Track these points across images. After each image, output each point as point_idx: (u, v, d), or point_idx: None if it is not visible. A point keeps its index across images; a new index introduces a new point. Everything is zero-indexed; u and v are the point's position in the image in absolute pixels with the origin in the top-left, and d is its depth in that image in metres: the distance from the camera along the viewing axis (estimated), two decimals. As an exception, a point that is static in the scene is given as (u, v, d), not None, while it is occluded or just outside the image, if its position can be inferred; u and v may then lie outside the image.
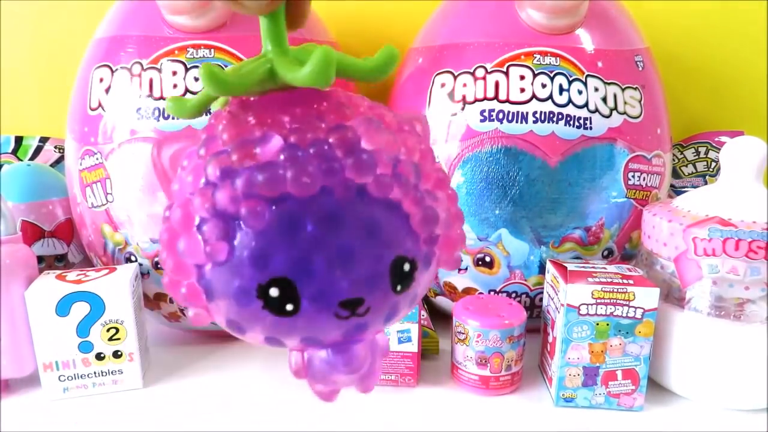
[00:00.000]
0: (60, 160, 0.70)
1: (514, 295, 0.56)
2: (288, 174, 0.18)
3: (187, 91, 0.49)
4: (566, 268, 0.47)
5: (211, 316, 0.21)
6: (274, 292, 0.19)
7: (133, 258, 0.53)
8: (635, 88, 0.53)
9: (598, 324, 0.44)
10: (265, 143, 0.19)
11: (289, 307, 0.19)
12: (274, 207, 0.19)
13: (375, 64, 0.22)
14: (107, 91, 0.51)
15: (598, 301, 0.44)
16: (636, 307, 0.44)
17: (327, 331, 0.20)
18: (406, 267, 0.21)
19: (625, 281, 0.44)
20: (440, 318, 0.61)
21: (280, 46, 0.22)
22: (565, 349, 0.45)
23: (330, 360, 0.21)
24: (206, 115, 0.23)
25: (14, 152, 0.71)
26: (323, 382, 0.22)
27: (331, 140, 0.19)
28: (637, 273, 0.47)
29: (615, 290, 0.44)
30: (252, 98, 0.22)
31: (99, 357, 0.47)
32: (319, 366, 0.22)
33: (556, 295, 0.47)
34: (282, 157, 0.19)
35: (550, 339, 0.48)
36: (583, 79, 0.51)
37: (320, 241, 0.19)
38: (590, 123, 0.51)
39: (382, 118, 0.21)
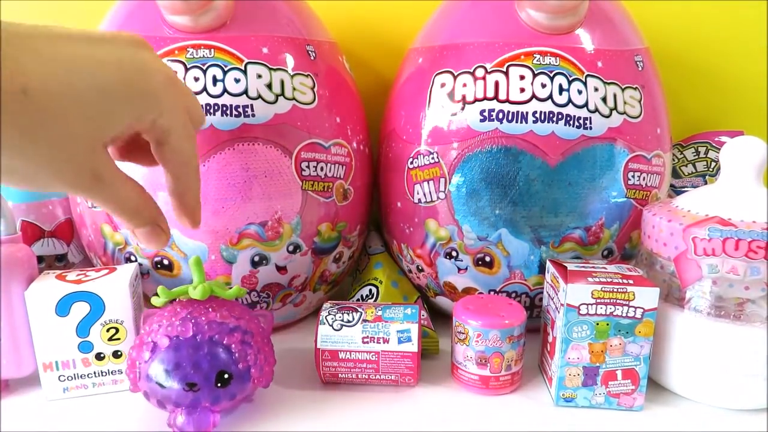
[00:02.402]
0: (60, 160, 0.70)
1: (514, 295, 0.56)
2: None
3: (187, 91, 0.49)
4: (566, 267, 0.47)
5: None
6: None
7: (133, 258, 0.53)
8: (635, 88, 0.53)
9: (598, 324, 0.44)
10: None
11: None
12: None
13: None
14: (107, 91, 0.51)
15: (598, 300, 0.44)
16: (636, 307, 0.44)
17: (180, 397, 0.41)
18: (225, 376, 0.41)
19: (625, 281, 0.44)
20: (440, 318, 0.61)
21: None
22: (565, 349, 0.45)
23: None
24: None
25: (14, 152, 0.71)
26: None
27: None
28: (637, 273, 0.47)
29: (615, 290, 0.44)
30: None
31: (99, 357, 0.47)
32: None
33: (556, 294, 0.47)
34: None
35: (550, 339, 0.48)
36: (583, 79, 0.51)
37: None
38: (590, 123, 0.51)
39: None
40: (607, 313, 0.44)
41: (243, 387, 0.42)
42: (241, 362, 0.42)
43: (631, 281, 0.44)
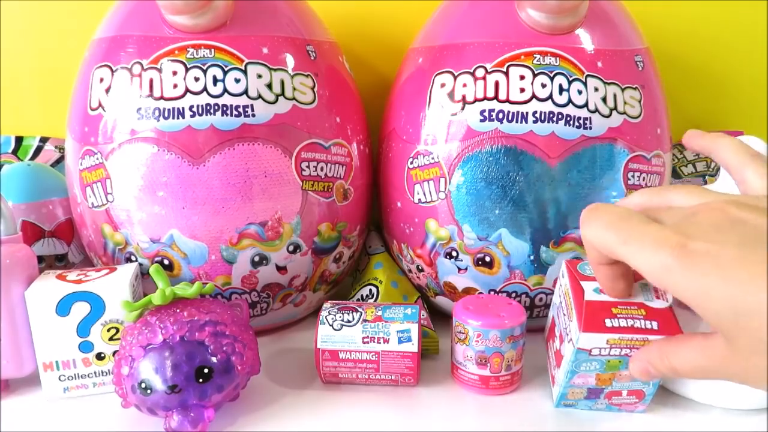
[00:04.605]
0: (60, 160, 0.70)
1: (514, 295, 0.56)
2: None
3: (187, 91, 0.49)
4: (583, 293, 0.41)
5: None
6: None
7: (133, 258, 0.53)
8: (635, 88, 0.53)
9: (609, 361, 0.41)
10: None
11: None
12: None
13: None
14: (107, 91, 0.51)
15: (613, 346, 0.40)
16: None
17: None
18: (206, 371, 0.42)
19: (647, 324, 0.39)
20: (440, 318, 0.61)
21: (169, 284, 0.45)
22: (571, 377, 0.43)
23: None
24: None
25: (14, 152, 0.71)
26: None
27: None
28: (666, 305, 0.40)
29: (634, 338, 0.40)
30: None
31: (99, 357, 0.47)
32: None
33: (569, 323, 0.43)
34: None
35: (557, 344, 0.47)
36: (583, 79, 0.51)
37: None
38: (590, 123, 0.51)
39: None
40: (621, 354, 0.41)
41: (229, 377, 0.43)
42: (219, 354, 0.42)
43: (655, 324, 0.39)
